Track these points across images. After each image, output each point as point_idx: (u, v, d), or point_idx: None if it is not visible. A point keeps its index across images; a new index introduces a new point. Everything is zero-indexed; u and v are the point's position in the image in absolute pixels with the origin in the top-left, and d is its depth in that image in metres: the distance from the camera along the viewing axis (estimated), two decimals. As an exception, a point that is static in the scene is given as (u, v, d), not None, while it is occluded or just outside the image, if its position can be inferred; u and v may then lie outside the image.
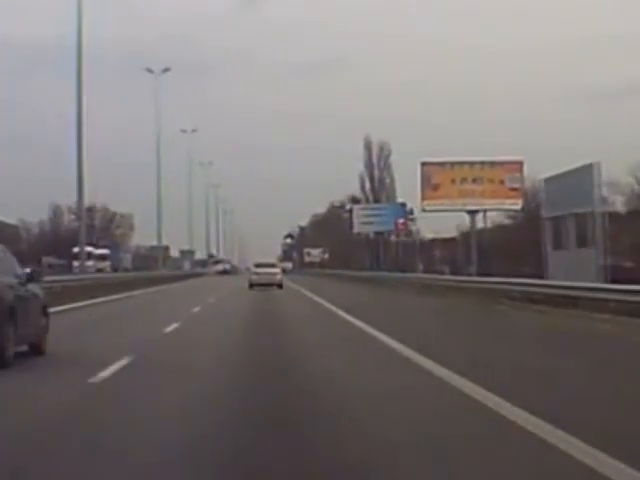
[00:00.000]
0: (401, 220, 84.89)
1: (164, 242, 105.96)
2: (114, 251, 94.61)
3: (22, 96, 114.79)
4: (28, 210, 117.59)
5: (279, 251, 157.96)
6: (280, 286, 47.74)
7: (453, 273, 58.20)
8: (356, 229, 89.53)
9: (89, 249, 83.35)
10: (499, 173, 52.36)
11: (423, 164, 53.08)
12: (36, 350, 13.80)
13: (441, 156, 54.71)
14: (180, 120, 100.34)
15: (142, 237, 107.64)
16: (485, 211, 53.55)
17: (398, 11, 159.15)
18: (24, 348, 13.39)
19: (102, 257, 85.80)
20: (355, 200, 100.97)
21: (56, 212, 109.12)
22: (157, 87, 66.23)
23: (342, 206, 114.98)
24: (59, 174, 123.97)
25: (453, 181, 52.32)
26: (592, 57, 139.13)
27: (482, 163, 52.92)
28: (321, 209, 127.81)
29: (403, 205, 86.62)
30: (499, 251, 62.86)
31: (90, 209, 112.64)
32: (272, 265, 53.29)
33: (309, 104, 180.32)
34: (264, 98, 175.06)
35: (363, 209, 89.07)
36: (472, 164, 52.86)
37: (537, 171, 49.82)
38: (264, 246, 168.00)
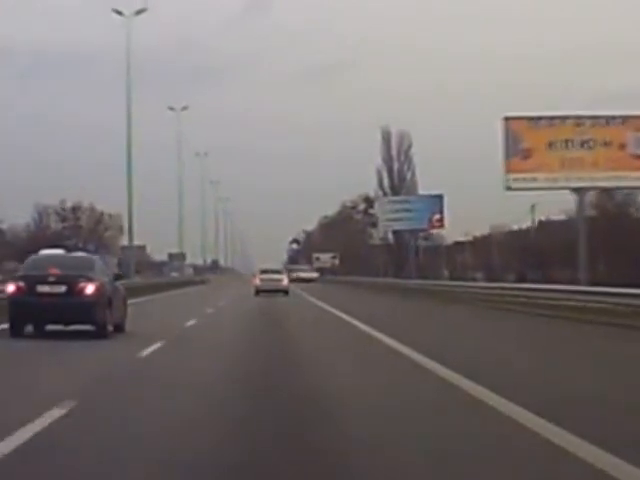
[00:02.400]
0: (437, 215, 69.89)
1: (168, 248, 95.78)
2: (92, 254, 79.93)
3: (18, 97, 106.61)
4: (11, 212, 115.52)
5: (284, 256, 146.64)
6: (286, 292, 47.64)
7: (489, 280, 52.85)
8: (381, 227, 75.11)
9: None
10: (619, 133, 36.01)
11: (507, 119, 36.62)
12: (119, 329, 19.04)
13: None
14: (181, 122, 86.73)
15: (135, 240, 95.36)
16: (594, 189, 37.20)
17: (401, 15, 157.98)
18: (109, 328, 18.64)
19: (76, 262, 70.59)
20: (369, 200, 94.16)
21: (42, 213, 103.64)
22: (128, 31, 50.48)
23: (354, 206, 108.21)
24: (41, 175, 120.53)
25: (551, 145, 35.95)
26: (593, 61, 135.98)
27: (594, 118, 36.44)
28: (329, 212, 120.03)
29: (439, 197, 71.02)
30: (555, 253, 58.41)
31: (75, 208, 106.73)
32: (278, 271, 53.96)
33: (312, 107, 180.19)
34: (267, 102, 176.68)
35: (390, 202, 73.79)
36: (579, 119, 36.32)
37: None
38: (268, 252, 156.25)
